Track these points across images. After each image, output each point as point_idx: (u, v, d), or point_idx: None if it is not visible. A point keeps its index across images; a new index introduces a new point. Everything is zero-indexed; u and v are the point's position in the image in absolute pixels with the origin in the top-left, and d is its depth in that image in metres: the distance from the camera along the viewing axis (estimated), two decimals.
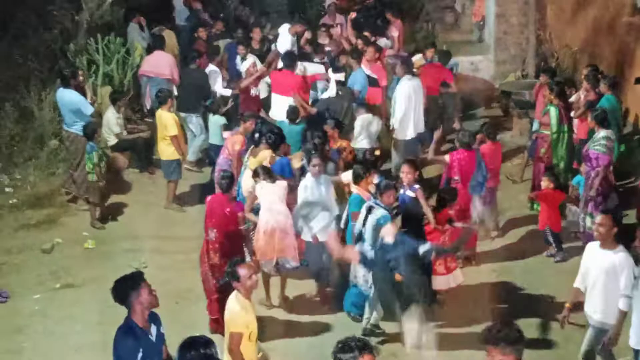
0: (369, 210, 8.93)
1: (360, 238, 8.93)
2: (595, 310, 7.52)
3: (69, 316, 9.66)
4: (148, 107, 14.47)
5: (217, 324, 8.89)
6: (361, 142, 12.02)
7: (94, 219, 12.05)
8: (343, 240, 9.49)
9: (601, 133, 10.33)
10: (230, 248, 9.16)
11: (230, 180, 9.46)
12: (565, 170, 11.54)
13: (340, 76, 12.87)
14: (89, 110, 12.13)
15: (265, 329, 9.16)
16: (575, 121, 11.70)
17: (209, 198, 9.58)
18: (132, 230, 11.88)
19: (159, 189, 13.07)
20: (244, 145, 11.21)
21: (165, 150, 12.28)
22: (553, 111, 11.40)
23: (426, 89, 12.80)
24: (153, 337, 6.33)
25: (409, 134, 12.34)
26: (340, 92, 12.66)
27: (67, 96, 12.20)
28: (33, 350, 8.96)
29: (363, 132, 12.05)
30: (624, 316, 7.31)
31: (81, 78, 13.05)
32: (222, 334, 8.87)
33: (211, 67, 13.98)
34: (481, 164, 10.48)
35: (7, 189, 13.22)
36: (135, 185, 13.43)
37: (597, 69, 12.40)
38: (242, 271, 7.00)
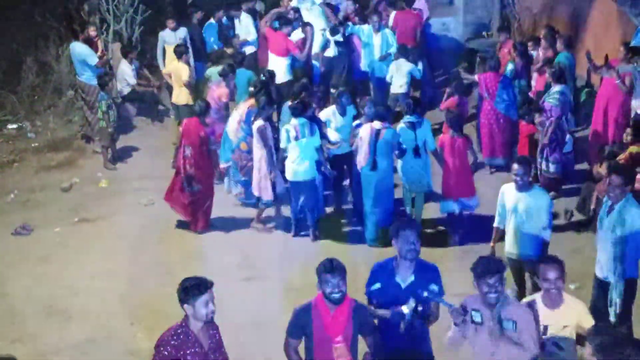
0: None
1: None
2: (518, 247, 7.44)
3: (85, 247, 9.80)
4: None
5: (193, 222, 9.97)
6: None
7: (106, 161, 12.16)
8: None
9: (556, 88, 10.36)
10: (202, 162, 9.88)
11: (205, 106, 9.97)
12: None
13: (338, 37, 12.36)
14: (92, 61, 12.38)
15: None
16: (535, 75, 11.81)
17: (185, 120, 10.23)
18: (141, 172, 11.93)
19: (165, 135, 13.07)
20: (228, 97, 11.28)
21: (182, 96, 12.23)
22: (510, 67, 11.68)
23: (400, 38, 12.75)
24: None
25: None
26: (340, 53, 12.36)
27: (76, 48, 12.58)
28: (54, 276, 9.11)
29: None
30: (547, 246, 7.36)
31: (93, 33, 13.13)
32: (195, 231, 9.86)
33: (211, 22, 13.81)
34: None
35: (29, 134, 13.37)
36: (144, 132, 13.48)
37: (553, 29, 12.42)
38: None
